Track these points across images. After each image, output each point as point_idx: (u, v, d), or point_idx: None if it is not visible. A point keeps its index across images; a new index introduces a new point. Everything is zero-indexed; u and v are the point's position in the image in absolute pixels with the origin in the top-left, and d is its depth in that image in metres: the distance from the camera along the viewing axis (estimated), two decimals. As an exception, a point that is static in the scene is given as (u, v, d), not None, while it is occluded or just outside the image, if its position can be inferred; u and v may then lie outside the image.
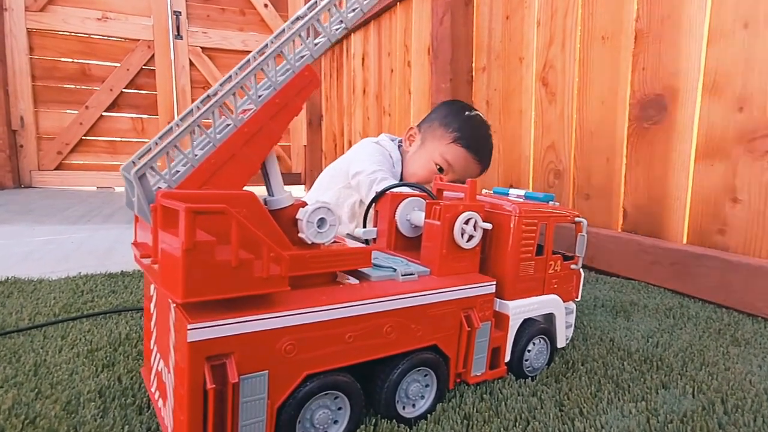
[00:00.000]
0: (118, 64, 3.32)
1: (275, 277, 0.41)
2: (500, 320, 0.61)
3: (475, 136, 1.15)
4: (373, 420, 0.51)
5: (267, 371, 0.42)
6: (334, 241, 0.51)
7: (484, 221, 0.59)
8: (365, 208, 0.68)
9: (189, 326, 0.37)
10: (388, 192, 0.65)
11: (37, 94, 3.29)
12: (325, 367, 0.45)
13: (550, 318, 0.67)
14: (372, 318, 0.48)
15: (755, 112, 0.92)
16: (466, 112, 1.18)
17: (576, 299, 0.71)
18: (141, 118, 3.44)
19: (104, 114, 3.37)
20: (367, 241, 0.68)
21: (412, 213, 0.65)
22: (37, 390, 0.55)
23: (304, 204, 0.49)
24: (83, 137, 3.37)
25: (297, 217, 0.47)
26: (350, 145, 2.72)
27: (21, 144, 3.28)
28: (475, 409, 0.54)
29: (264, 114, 0.45)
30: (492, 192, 0.76)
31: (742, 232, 0.95)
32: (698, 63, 1.01)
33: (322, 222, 0.48)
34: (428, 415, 0.53)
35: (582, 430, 0.51)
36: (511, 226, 0.61)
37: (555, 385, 0.61)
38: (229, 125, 0.44)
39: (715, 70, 0.98)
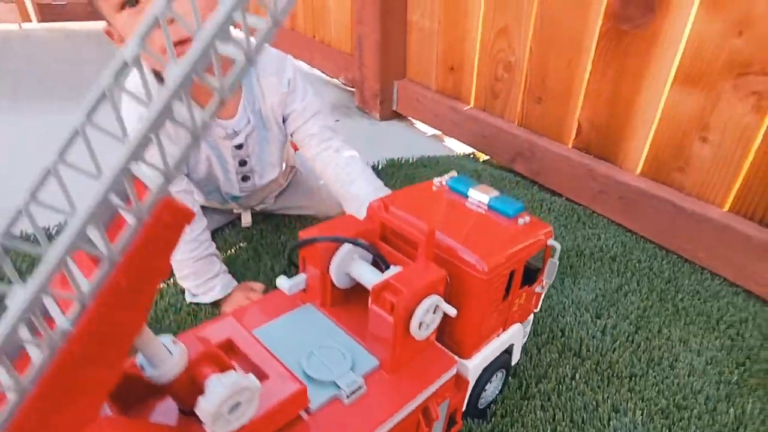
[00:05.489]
0: None
1: None
2: (459, 382, 0.54)
3: None
4: None
5: None
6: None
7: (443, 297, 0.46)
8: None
9: None
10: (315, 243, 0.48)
11: None
12: None
13: (508, 349, 0.61)
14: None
15: (755, 42, 0.76)
16: None
17: (535, 310, 0.64)
18: None
19: None
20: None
21: (352, 265, 0.50)
22: None
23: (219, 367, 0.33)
24: None
25: (197, 408, 0.32)
26: None
27: None
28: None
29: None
30: (445, 184, 0.60)
31: (702, 175, 0.88)
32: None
33: (235, 408, 0.33)
34: None
35: None
36: (479, 288, 0.49)
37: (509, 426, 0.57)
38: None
39: (723, -28, 0.77)
